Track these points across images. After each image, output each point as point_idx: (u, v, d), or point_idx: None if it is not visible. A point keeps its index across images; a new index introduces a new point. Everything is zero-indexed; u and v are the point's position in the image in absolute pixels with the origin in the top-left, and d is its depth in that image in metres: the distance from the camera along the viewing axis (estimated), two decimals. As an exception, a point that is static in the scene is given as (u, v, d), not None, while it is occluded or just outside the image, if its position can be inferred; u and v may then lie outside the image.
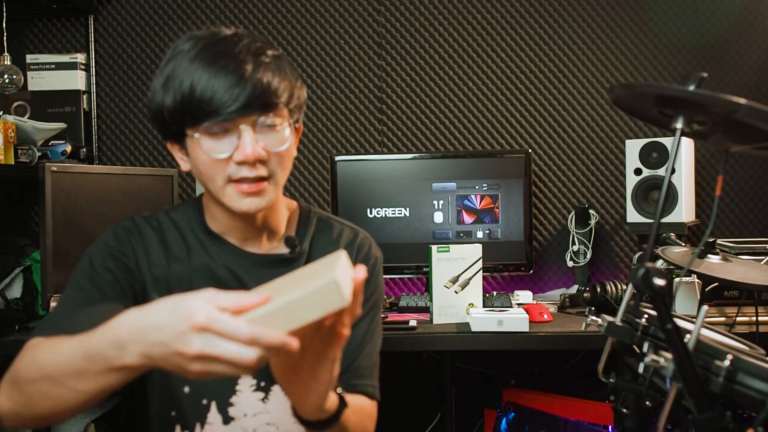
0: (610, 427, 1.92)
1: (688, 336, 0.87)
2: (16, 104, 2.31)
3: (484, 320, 1.75)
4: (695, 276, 1.83)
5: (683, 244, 1.98)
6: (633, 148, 2.12)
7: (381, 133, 2.43)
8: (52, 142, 2.17)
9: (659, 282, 0.82)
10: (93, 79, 2.43)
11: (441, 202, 2.18)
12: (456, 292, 1.85)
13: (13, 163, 1.97)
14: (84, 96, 2.39)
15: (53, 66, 2.37)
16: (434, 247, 1.88)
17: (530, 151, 2.20)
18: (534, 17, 2.39)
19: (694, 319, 0.90)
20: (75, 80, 2.37)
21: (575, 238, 2.25)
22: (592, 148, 2.39)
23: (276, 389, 1.08)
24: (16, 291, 2.07)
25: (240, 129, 0.98)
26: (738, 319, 1.81)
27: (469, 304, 1.87)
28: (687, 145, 2.10)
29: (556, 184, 2.39)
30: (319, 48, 2.43)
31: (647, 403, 0.97)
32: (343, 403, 0.94)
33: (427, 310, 1.97)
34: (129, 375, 0.78)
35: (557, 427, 2.01)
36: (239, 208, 1.01)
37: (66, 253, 1.87)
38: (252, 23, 2.44)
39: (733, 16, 2.34)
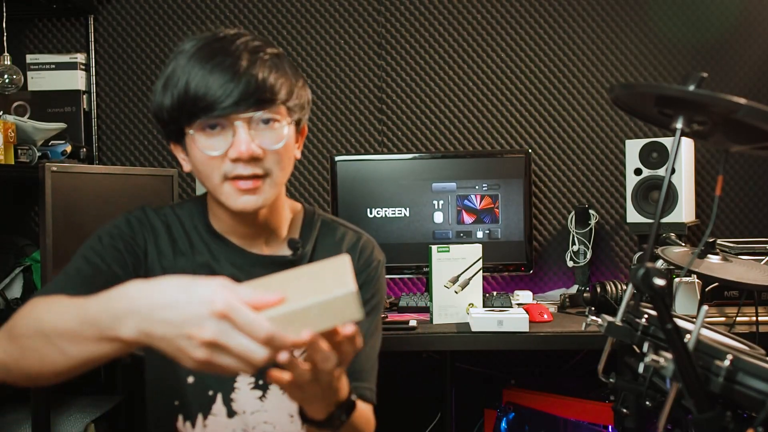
0: (610, 427, 1.92)
1: (688, 336, 0.87)
2: (16, 104, 2.31)
3: (484, 320, 1.75)
4: (695, 276, 1.83)
5: (683, 244, 1.98)
6: (633, 148, 2.12)
7: (381, 133, 2.43)
8: (52, 142, 2.17)
9: (659, 282, 0.82)
10: (93, 79, 2.43)
11: (441, 202, 2.18)
12: (456, 292, 1.85)
13: (13, 163, 1.97)
14: (84, 96, 2.39)
15: (53, 66, 2.37)
16: (434, 247, 1.88)
17: (530, 151, 2.20)
18: (534, 17, 2.39)
19: (694, 319, 0.90)
20: (75, 80, 2.37)
21: (575, 238, 2.25)
22: (592, 148, 2.39)
23: (274, 388, 1.08)
24: (16, 291, 2.07)
25: (235, 126, 0.97)
26: (738, 319, 1.81)
27: (469, 304, 1.87)
28: (687, 145, 2.10)
29: (556, 184, 2.39)
30: (319, 48, 2.43)
31: (647, 403, 0.97)
32: (352, 405, 0.94)
33: (427, 310, 1.97)
34: (120, 349, 0.75)
35: (557, 427, 2.01)
36: (235, 206, 1.01)
37: (66, 253, 1.87)
38: (252, 23, 2.44)
39: (733, 16, 2.34)
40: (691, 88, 0.85)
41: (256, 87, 0.96)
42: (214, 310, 0.67)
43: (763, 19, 2.34)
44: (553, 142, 2.39)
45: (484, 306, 1.91)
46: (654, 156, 2.09)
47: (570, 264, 2.26)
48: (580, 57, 2.38)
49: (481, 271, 1.89)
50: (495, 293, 2.11)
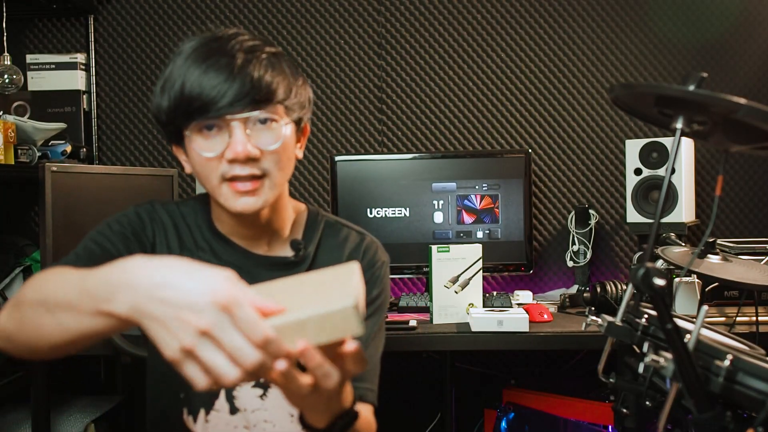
0: (610, 427, 1.92)
1: (688, 336, 0.87)
2: (16, 104, 2.31)
3: (484, 320, 1.75)
4: (695, 276, 1.83)
5: (683, 244, 1.98)
6: (633, 148, 2.12)
7: (381, 133, 2.43)
8: (52, 142, 2.17)
9: (659, 282, 0.82)
10: (93, 79, 2.43)
11: (441, 202, 2.18)
12: (456, 292, 1.85)
13: (13, 163, 1.97)
14: (84, 96, 2.39)
15: (53, 66, 2.37)
16: (434, 247, 1.88)
17: (530, 151, 2.20)
18: (534, 17, 2.39)
19: (694, 319, 0.90)
20: (75, 80, 2.37)
21: (575, 238, 2.25)
22: (592, 148, 2.39)
23: (274, 387, 1.08)
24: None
25: (231, 126, 0.97)
26: (738, 319, 1.81)
27: (469, 304, 1.87)
28: (687, 145, 2.10)
29: (556, 184, 2.39)
30: (319, 48, 2.43)
31: (647, 403, 0.97)
32: (354, 415, 0.90)
33: (427, 310, 1.97)
34: (112, 326, 0.72)
35: (557, 427, 2.01)
36: (234, 208, 1.00)
37: (66, 253, 1.87)
38: (252, 23, 2.44)
39: (733, 16, 2.34)
40: (691, 88, 0.85)
41: (251, 86, 0.95)
42: (217, 300, 0.65)
43: (763, 19, 2.34)
44: (553, 142, 2.39)
45: (484, 306, 1.91)
46: (654, 156, 2.09)
47: (570, 264, 2.26)
48: (580, 57, 2.38)
49: (481, 271, 1.89)
50: (495, 293, 2.11)
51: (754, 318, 1.79)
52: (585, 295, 2.04)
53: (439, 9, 2.41)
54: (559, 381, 2.16)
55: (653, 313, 0.89)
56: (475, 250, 1.88)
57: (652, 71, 2.37)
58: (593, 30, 2.38)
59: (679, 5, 2.35)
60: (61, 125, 2.18)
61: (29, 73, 2.34)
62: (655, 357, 0.88)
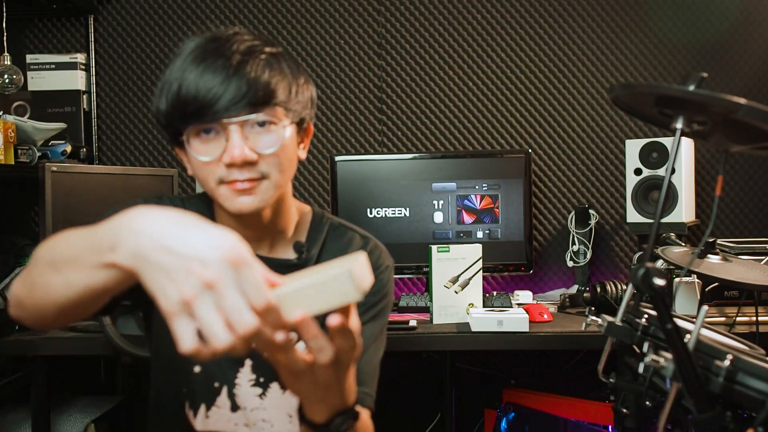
0: (610, 427, 1.92)
1: (688, 336, 0.87)
2: (16, 104, 2.31)
3: (484, 320, 1.75)
4: (695, 276, 1.83)
5: (683, 244, 1.98)
6: (633, 148, 2.12)
7: (381, 133, 2.43)
8: (52, 142, 2.17)
9: (659, 282, 0.82)
10: (93, 79, 2.43)
11: (441, 202, 2.18)
12: (456, 292, 1.85)
13: (13, 163, 1.97)
14: (84, 96, 2.39)
15: (53, 66, 2.37)
16: (434, 247, 1.88)
17: (530, 151, 2.20)
18: (534, 17, 2.39)
19: (694, 319, 0.90)
20: (75, 80, 2.37)
21: (575, 238, 2.25)
22: (592, 148, 2.39)
23: (274, 386, 1.08)
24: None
25: (228, 130, 0.95)
26: (738, 319, 1.81)
27: (469, 304, 1.87)
28: (687, 145, 2.10)
29: (556, 184, 2.39)
30: (319, 48, 2.43)
31: (647, 403, 0.97)
32: (355, 415, 0.89)
33: (427, 310, 1.97)
34: (115, 280, 0.69)
35: (557, 427, 2.01)
36: (233, 207, 0.99)
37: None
38: (252, 23, 2.44)
39: (733, 16, 2.34)
40: (691, 88, 0.85)
41: (248, 88, 0.94)
42: (226, 256, 0.62)
43: (763, 19, 2.34)
44: (553, 142, 2.39)
45: (484, 306, 1.91)
46: (654, 156, 2.09)
47: (570, 264, 2.26)
48: (580, 57, 2.38)
49: (481, 271, 1.89)
50: (495, 293, 2.11)
51: (754, 318, 1.79)
52: (585, 295, 2.04)
53: (439, 9, 2.41)
54: (559, 381, 2.16)
55: (653, 313, 0.89)
56: (475, 250, 1.88)
57: (652, 71, 2.37)
58: (593, 30, 2.38)
59: (679, 5, 2.35)
60: (61, 125, 2.18)
61: (29, 73, 2.35)
62: (655, 357, 0.88)
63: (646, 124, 2.34)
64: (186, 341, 0.62)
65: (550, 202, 2.39)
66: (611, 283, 1.97)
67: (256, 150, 0.96)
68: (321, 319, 0.72)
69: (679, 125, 0.91)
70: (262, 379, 1.08)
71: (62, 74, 2.37)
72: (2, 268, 2.11)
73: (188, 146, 0.98)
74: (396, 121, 2.42)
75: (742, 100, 0.81)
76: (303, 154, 1.09)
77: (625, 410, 1.07)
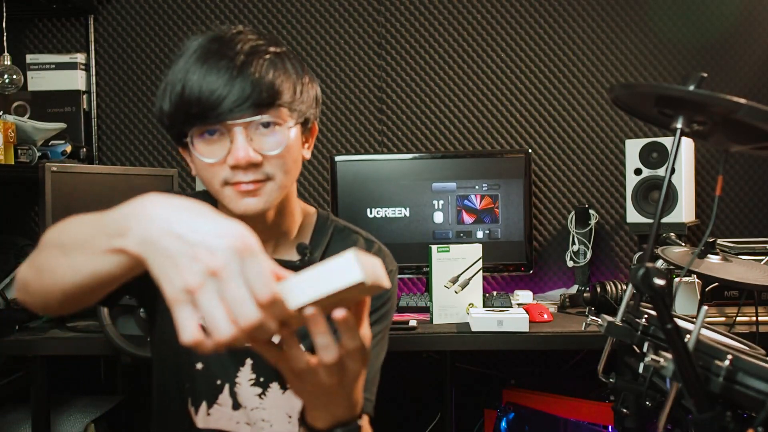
0: (610, 427, 1.92)
1: (687, 336, 0.87)
2: (16, 104, 2.31)
3: (484, 320, 1.75)
4: (695, 276, 1.83)
5: (683, 244, 1.98)
6: (633, 148, 2.12)
7: (381, 133, 2.43)
8: (52, 142, 2.17)
9: (659, 282, 0.82)
10: (93, 79, 2.43)
11: (441, 202, 2.18)
12: (456, 292, 1.85)
13: (13, 163, 1.97)
14: (84, 96, 2.39)
15: (53, 66, 2.37)
16: (434, 247, 1.88)
17: (530, 151, 2.20)
18: (534, 17, 2.39)
19: (694, 319, 0.90)
20: (75, 80, 2.37)
21: (575, 238, 2.25)
22: (592, 148, 2.39)
23: (274, 387, 1.08)
24: (15, 291, 2.07)
25: (233, 131, 0.94)
26: (738, 319, 1.81)
27: (469, 304, 1.87)
28: (687, 145, 2.10)
29: (556, 184, 2.39)
30: (319, 48, 2.43)
31: (647, 403, 0.97)
32: (356, 426, 0.86)
33: (427, 310, 1.97)
34: (122, 266, 0.68)
35: (557, 427, 2.01)
36: (237, 209, 0.98)
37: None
38: (252, 23, 2.44)
39: (733, 16, 2.34)
40: (691, 88, 0.85)
41: (252, 89, 0.93)
42: (234, 245, 0.61)
43: (763, 19, 2.34)
44: (553, 142, 2.39)
45: (484, 306, 1.91)
46: (654, 156, 2.09)
47: (570, 264, 2.26)
48: (580, 57, 2.38)
49: (481, 271, 1.89)
50: (495, 293, 2.11)
51: (754, 318, 1.79)
52: (585, 295, 2.04)
53: (439, 9, 2.41)
54: (559, 381, 2.16)
55: (653, 313, 0.89)
56: (475, 250, 1.88)
57: (652, 71, 2.37)
58: (593, 30, 2.38)
59: (679, 5, 2.35)
60: (61, 125, 2.18)
61: (29, 73, 2.34)
62: (655, 357, 0.88)
63: (646, 124, 2.34)
64: (188, 331, 0.61)
65: (550, 202, 2.40)
66: (611, 283, 1.97)
67: (261, 151, 0.96)
68: (332, 325, 0.70)
69: (679, 125, 0.91)
70: (262, 379, 1.08)
71: (62, 74, 2.37)
72: (2, 268, 2.11)
73: (192, 148, 0.97)
74: (396, 121, 2.42)
75: (742, 100, 0.81)
76: (307, 154, 1.08)
77: (625, 410, 1.07)
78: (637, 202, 2.11)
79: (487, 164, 2.19)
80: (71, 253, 0.72)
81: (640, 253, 2.16)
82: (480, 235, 2.18)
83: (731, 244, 1.87)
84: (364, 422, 1.00)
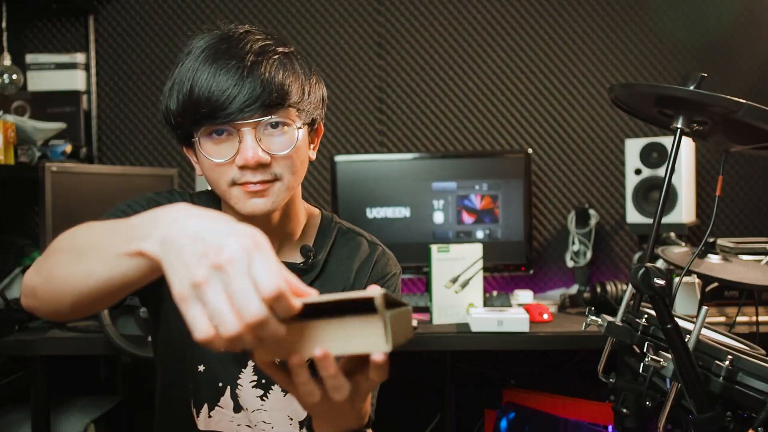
0: (610, 427, 1.92)
1: (688, 336, 0.87)
2: (16, 104, 2.31)
3: (484, 320, 1.75)
4: (695, 276, 1.83)
5: (683, 244, 1.98)
6: (633, 148, 2.12)
7: (381, 133, 2.43)
8: (52, 142, 2.17)
9: (659, 282, 0.82)
10: (93, 79, 2.43)
11: (441, 202, 2.18)
12: (456, 292, 1.85)
13: (13, 163, 1.97)
14: (84, 96, 2.39)
15: (53, 66, 2.37)
16: (434, 247, 1.88)
17: (530, 151, 2.20)
18: (534, 17, 2.39)
19: (694, 319, 0.90)
20: (75, 80, 2.37)
21: (575, 238, 2.25)
22: (592, 148, 2.39)
23: (276, 388, 1.08)
24: (16, 291, 2.06)
25: (242, 132, 0.94)
26: (738, 319, 1.81)
27: (469, 304, 1.87)
28: (687, 145, 2.10)
29: (556, 184, 2.39)
30: (319, 48, 2.43)
31: (647, 403, 0.97)
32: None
33: (427, 310, 1.97)
34: (138, 270, 0.67)
35: (557, 427, 2.01)
36: (245, 209, 0.98)
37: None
38: (252, 23, 2.43)
39: (733, 16, 2.33)
40: (691, 88, 0.85)
41: (262, 90, 0.93)
42: (242, 241, 0.61)
43: (763, 19, 2.34)
44: (553, 142, 2.39)
45: (484, 306, 1.91)
46: (654, 156, 2.09)
47: (570, 264, 2.25)
48: (580, 57, 2.38)
49: (481, 271, 1.89)
50: (495, 293, 2.11)
51: (754, 318, 1.79)
52: (585, 295, 2.04)
53: (439, 9, 2.41)
54: (559, 381, 2.16)
55: (653, 313, 0.89)
56: (475, 250, 1.88)
57: (652, 71, 2.37)
58: (593, 30, 2.38)
59: (679, 5, 2.35)
60: (61, 125, 2.18)
61: (29, 73, 2.34)
62: (655, 357, 0.88)
63: (646, 124, 2.34)
64: (199, 328, 0.60)
65: (550, 202, 2.39)
66: (611, 283, 1.97)
67: (270, 152, 0.96)
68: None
69: (679, 125, 0.91)
70: (264, 381, 1.08)
71: (62, 74, 2.37)
72: (2, 268, 2.11)
73: (199, 147, 0.97)
74: (396, 121, 2.42)
75: (742, 100, 0.81)
76: (313, 155, 1.08)
77: (625, 410, 1.07)
78: (637, 202, 2.11)
79: (487, 164, 2.19)
80: (85, 258, 0.72)
81: (640, 253, 2.16)
82: (480, 235, 2.18)
83: (731, 244, 1.87)
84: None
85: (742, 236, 2.33)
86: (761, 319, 1.80)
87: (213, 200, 1.11)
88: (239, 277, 0.60)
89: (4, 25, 2.15)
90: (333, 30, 2.43)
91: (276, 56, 0.97)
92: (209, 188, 1.08)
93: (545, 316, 1.87)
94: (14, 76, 2.10)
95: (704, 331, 1.04)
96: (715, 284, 1.81)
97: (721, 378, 0.84)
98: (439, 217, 2.19)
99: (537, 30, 2.39)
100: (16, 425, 1.95)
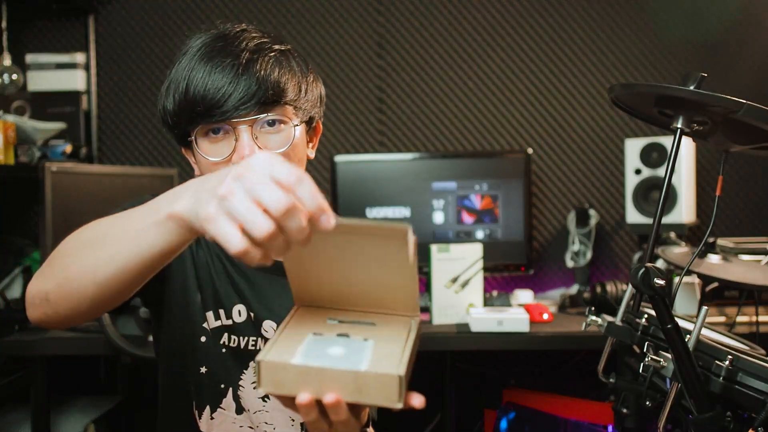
0: (610, 427, 1.92)
1: (688, 336, 0.87)
2: (16, 104, 2.31)
3: (484, 320, 1.75)
4: (695, 276, 1.83)
5: (683, 244, 1.98)
6: (633, 148, 2.12)
7: (381, 133, 2.43)
8: (52, 142, 2.17)
9: (659, 282, 0.82)
10: (93, 79, 2.43)
11: (441, 202, 2.18)
12: (456, 292, 1.85)
13: (13, 163, 1.97)
14: (84, 96, 2.39)
15: (53, 66, 2.36)
16: (434, 247, 1.88)
17: (530, 151, 2.20)
18: (534, 17, 2.39)
19: (694, 319, 0.90)
20: (75, 80, 2.37)
21: (575, 238, 2.25)
22: (592, 148, 2.39)
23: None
24: (16, 291, 2.07)
25: (238, 130, 0.94)
26: (738, 319, 1.81)
27: (469, 304, 1.87)
28: (687, 145, 2.10)
29: (556, 184, 2.39)
30: (319, 48, 2.43)
31: (647, 403, 0.97)
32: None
33: (427, 310, 1.97)
34: (169, 238, 0.68)
35: (557, 427, 2.01)
36: None
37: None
38: (252, 23, 2.43)
39: (733, 16, 2.33)
40: (691, 88, 0.85)
41: (257, 87, 0.93)
42: (262, 159, 0.62)
43: (763, 19, 2.34)
44: (553, 142, 2.39)
45: (484, 306, 1.91)
46: (654, 156, 2.09)
47: (570, 264, 2.25)
48: (580, 57, 2.38)
49: (481, 271, 1.89)
50: (495, 293, 2.11)
51: (754, 318, 1.79)
52: (585, 295, 2.04)
53: (439, 9, 2.41)
54: (559, 381, 2.16)
55: (653, 313, 0.89)
56: (475, 250, 1.88)
57: (652, 71, 2.37)
58: (593, 30, 2.38)
59: (679, 5, 2.35)
60: (61, 125, 2.18)
61: (29, 73, 2.34)
62: (655, 357, 0.88)
63: (646, 124, 2.34)
64: (233, 241, 0.61)
65: (550, 202, 2.39)
66: (611, 283, 1.97)
67: (266, 149, 0.95)
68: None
69: (679, 125, 0.91)
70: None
71: (62, 74, 2.36)
72: (2, 268, 2.11)
73: (196, 146, 0.97)
74: (396, 121, 2.42)
75: (742, 101, 0.81)
76: (312, 154, 1.08)
77: (625, 410, 1.07)
78: (637, 202, 2.11)
79: (487, 164, 2.19)
80: (106, 244, 0.72)
81: (640, 253, 2.16)
82: (480, 235, 2.18)
83: (731, 244, 1.87)
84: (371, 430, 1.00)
85: (742, 236, 2.33)
86: (761, 319, 1.80)
87: None
88: (261, 178, 0.61)
89: (4, 25, 2.15)
90: (333, 30, 2.43)
91: (272, 54, 0.97)
92: None
93: (545, 316, 1.87)
94: (14, 76, 2.10)
95: (704, 331, 1.04)
96: (715, 284, 1.81)
97: (721, 378, 0.84)
98: (439, 217, 2.19)
99: (537, 30, 2.39)
100: (16, 425, 1.95)
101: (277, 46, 0.99)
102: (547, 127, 2.39)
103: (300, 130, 1.01)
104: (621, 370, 1.08)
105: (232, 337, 1.06)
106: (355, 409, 0.72)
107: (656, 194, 2.09)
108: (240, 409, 1.07)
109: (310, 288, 0.78)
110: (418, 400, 0.69)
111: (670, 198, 2.04)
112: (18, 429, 1.94)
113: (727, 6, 2.33)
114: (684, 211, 2.03)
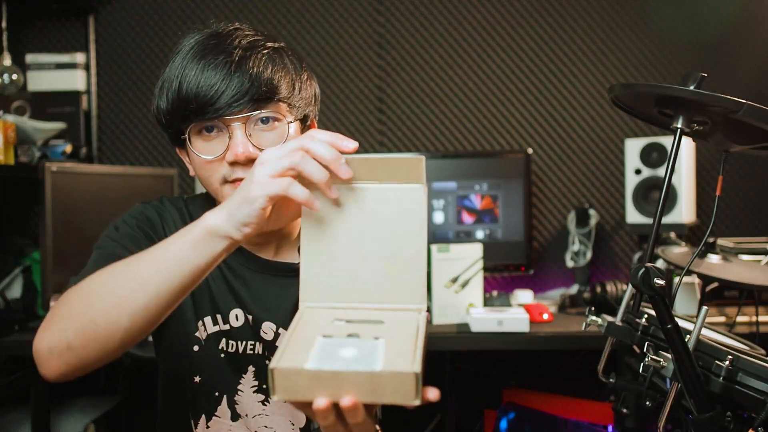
0: (610, 427, 1.92)
1: (688, 336, 0.87)
2: (16, 104, 2.31)
3: (484, 320, 1.75)
4: (695, 276, 1.83)
5: (683, 244, 1.98)
6: (633, 147, 2.12)
7: (381, 133, 2.43)
8: (52, 142, 2.17)
9: (659, 282, 0.82)
10: (93, 79, 2.43)
11: (441, 202, 2.18)
12: (456, 292, 1.85)
13: (13, 163, 1.97)
14: (84, 96, 2.39)
15: (53, 66, 2.36)
16: (434, 247, 1.88)
17: (530, 151, 2.20)
18: (534, 17, 2.39)
19: (694, 319, 0.90)
20: (75, 80, 2.37)
21: (575, 238, 2.25)
22: (592, 148, 2.39)
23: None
24: (16, 291, 2.07)
25: (231, 127, 0.94)
26: (738, 319, 1.81)
27: (469, 304, 1.87)
28: (687, 145, 2.10)
29: (556, 184, 2.39)
30: (319, 48, 2.43)
31: (647, 403, 0.97)
32: None
33: (427, 310, 1.96)
34: (205, 249, 0.77)
35: (557, 427, 2.01)
36: None
37: (66, 253, 1.87)
38: (251, 23, 2.43)
39: (733, 16, 2.33)
40: (691, 88, 0.85)
41: (250, 84, 0.92)
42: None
43: (763, 19, 2.34)
44: (553, 142, 2.39)
45: (484, 306, 1.91)
46: (654, 156, 2.09)
47: (570, 264, 2.25)
48: (580, 57, 2.38)
49: (481, 271, 1.89)
50: (495, 293, 2.11)
51: (754, 318, 1.79)
52: (585, 295, 2.04)
53: (439, 9, 2.41)
54: (559, 381, 2.16)
55: (653, 313, 0.89)
56: (475, 250, 1.88)
57: (652, 71, 2.37)
58: (593, 30, 2.38)
59: (679, 5, 2.35)
60: (61, 125, 2.18)
61: (29, 73, 2.34)
62: (655, 357, 0.88)
63: (646, 124, 2.34)
64: (301, 195, 0.76)
65: (550, 202, 2.39)
66: (611, 283, 1.97)
67: (260, 147, 0.95)
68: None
69: (679, 125, 0.91)
70: (265, 386, 1.07)
71: (62, 74, 2.36)
72: (2, 268, 2.11)
73: (190, 145, 0.97)
74: (396, 121, 2.42)
75: (742, 100, 0.81)
76: None
77: (625, 410, 1.07)
78: (637, 202, 2.11)
79: (487, 164, 2.19)
80: (137, 272, 0.78)
81: (640, 253, 2.16)
82: (480, 235, 2.18)
83: (731, 244, 1.87)
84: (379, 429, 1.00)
85: (742, 236, 2.33)
86: (761, 319, 1.80)
87: (207, 203, 1.10)
88: (270, 155, 0.77)
89: (4, 25, 2.15)
90: (333, 30, 2.43)
91: (265, 51, 0.96)
92: (205, 191, 1.07)
93: (545, 316, 1.87)
94: (14, 76, 2.10)
95: (704, 331, 1.04)
96: (715, 284, 1.81)
97: (721, 378, 0.84)
98: (439, 217, 2.19)
99: (537, 30, 2.39)
100: (16, 425, 1.95)
101: (270, 44, 0.98)
102: (547, 127, 2.39)
103: (294, 128, 0.99)
104: (621, 370, 1.08)
105: (230, 342, 1.05)
106: (369, 409, 0.72)
107: (656, 194, 2.09)
108: (236, 416, 1.06)
109: (320, 272, 0.81)
110: (433, 394, 0.69)
111: (670, 198, 2.04)
112: (18, 429, 1.94)
113: (727, 6, 2.33)
114: (684, 211, 2.03)
